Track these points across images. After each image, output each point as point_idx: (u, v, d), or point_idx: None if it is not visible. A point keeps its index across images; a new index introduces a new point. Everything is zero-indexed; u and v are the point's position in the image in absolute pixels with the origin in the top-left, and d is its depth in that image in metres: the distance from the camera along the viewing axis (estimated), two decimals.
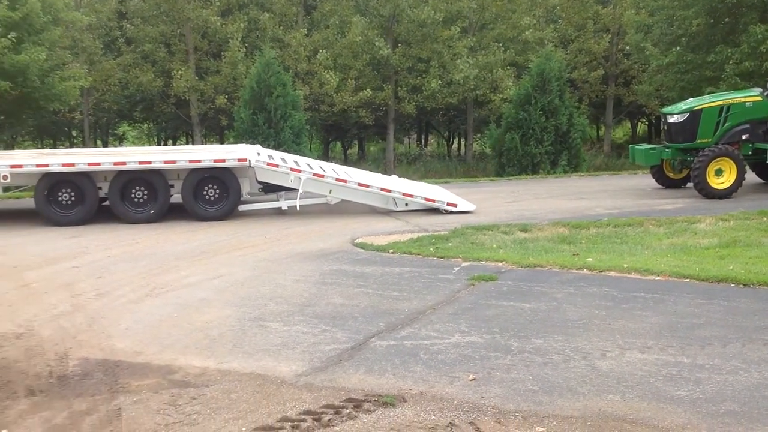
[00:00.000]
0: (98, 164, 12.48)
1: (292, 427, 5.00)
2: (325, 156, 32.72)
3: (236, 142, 19.41)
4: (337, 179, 12.87)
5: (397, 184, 13.77)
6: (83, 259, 9.96)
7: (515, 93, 22.40)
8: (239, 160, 12.58)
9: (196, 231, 11.93)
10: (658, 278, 8.42)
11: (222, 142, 33.78)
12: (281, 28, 26.54)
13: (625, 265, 8.87)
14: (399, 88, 27.95)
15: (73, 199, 12.76)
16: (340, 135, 36.91)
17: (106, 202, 13.08)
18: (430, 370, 5.86)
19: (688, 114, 14.62)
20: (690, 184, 14.82)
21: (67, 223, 12.72)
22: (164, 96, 26.88)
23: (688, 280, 8.32)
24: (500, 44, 28.12)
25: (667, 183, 15.71)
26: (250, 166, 12.68)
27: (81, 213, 12.80)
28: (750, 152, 14.60)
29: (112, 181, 12.51)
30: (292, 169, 12.80)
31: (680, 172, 15.46)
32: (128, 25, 26.63)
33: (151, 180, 12.60)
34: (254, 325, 7.03)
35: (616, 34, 32.08)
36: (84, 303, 7.86)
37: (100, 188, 12.67)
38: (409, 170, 26.59)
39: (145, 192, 12.62)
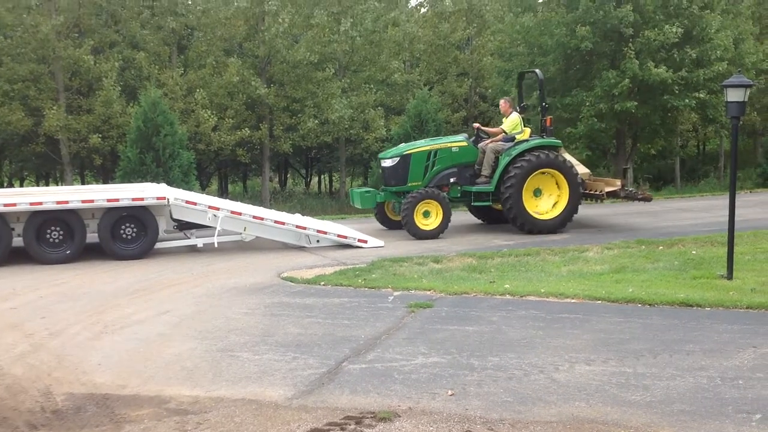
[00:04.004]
0: (14, 204, 12.17)
1: None
2: None
3: (123, 182, 19.14)
4: (255, 216, 13.11)
5: (309, 221, 14.17)
6: (17, 300, 9.76)
7: (395, 132, 23.38)
8: (158, 198, 12.61)
9: (119, 270, 11.85)
10: (574, 301, 9.32)
11: (83, 183, 32.69)
12: (156, 67, 26.40)
13: (542, 290, 9.71)
14: (274, 127, 28.37)
15: None
16: (198, 173, 36.74)
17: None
18: (409, 389, 6.38)
19: (399, 158, 15.12)
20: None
21: None
22: (33, 135, 25.97)
23: (600, 302, 9.23)
24: (371, 86, 29.22)
25: (389, 224, 16.02)
26: (167, 205, 12.75)
27: None
28: (459, 195, 15.32)
29: (27, 222, 12.22)
30: (210, 207, 12.96)
31: (399, 214, 15.39)
32: None
33: (68, 220, 12.39)
34: (225, 356, 7.30)
35: (475, 78, 33.92)
36: (42, 342, 7.83)
37: (13, 229, 12.35)
38: (285, 207, 26.81)
39: (62, 232, 12.41)
